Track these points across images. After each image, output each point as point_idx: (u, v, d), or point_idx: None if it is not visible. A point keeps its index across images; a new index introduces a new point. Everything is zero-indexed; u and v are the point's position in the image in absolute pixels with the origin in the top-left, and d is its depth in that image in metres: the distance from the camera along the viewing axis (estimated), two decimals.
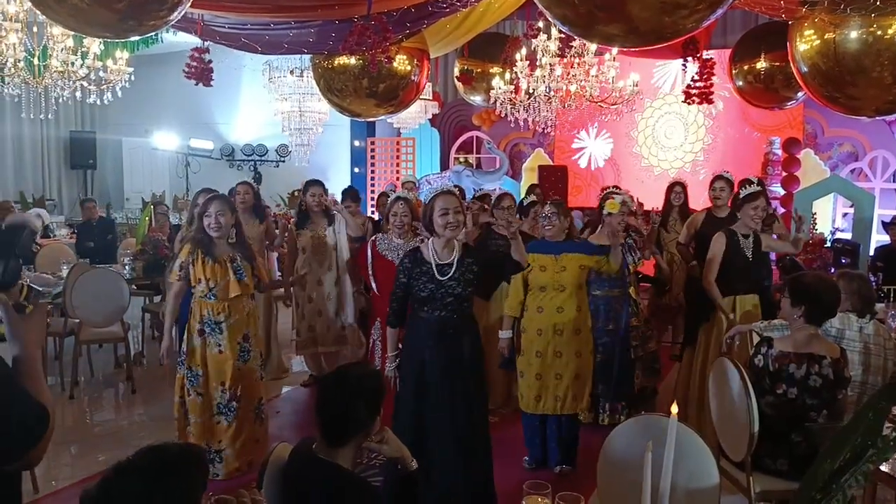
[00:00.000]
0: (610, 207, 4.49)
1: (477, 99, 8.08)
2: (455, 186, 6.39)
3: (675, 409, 1.51)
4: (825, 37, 4.55)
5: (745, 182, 4.58)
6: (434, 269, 3.37)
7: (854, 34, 4.39)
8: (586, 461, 3.87)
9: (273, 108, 9.94)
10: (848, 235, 7.89)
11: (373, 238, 4.64)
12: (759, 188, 4.45)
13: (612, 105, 6.24)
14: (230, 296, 4.05)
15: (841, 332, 3.54)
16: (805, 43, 4.72)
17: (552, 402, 4.16)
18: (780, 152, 9.54)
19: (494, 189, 9.37)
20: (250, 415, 4.21)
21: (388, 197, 5.22)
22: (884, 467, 2.68)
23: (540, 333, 4.13)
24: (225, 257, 4.07)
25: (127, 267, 6.54)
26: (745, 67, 6.62)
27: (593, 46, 5.77)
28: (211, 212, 4.02)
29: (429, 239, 3.48)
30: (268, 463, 2.19)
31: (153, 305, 6.90)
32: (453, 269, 3.36)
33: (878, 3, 4.09)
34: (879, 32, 4.28)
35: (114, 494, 1.51)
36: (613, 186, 5.42)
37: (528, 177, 11.09)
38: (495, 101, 6.70)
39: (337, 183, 9.95)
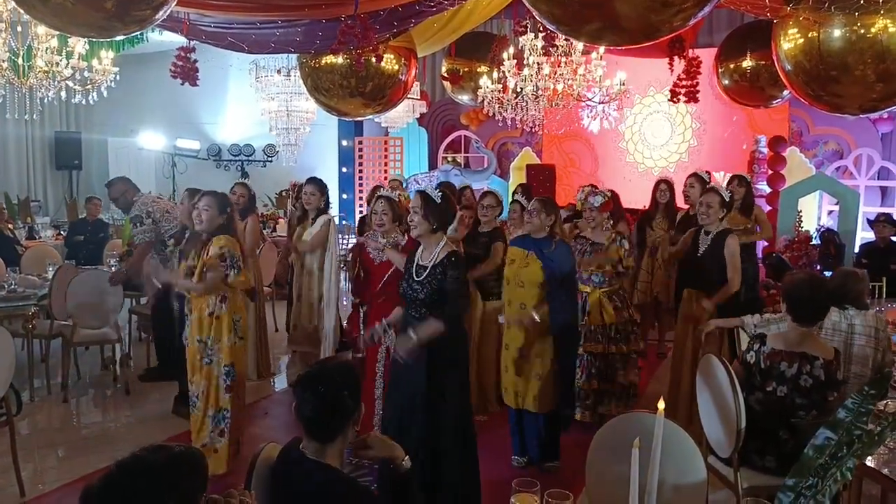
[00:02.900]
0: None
1: (465, 98, 8.09)
2: (441, 184, 6.40)
3: (661, 405, 1.52)
4: (809, 35, 4.56)
5: (734, 178, 4.63)
6: (413, 267, 3.38)
7: (838, 32, 4.41)
8: (576, 458, 3.88)
9: (260, 108, 9.89)
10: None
11: (365, 235, 4.69)
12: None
13: (600, 104, 6.26)
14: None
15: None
16: (789, 41, 4.74)
17: (513, 397, 4.20)
18: (766, 150, 9.60)
19: (482, 188, 9.38)
20: (206, 421, 4.06)
21: (381, 190, 5.20)
22: (869, 462, 2.70)
23: (508, 326, 4.20)
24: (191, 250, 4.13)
25: (113, 268, 6.48)
26: (731, 66, 6.65)
27: (580, 45, 5.79)
28: (198, 206, 4.06)
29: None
30: (256, 463, 2.18)
31: (140, 307, 6.84)
32: (426, 272, 3.31)
33: (861, 1, 4.11)
34: (863, 31, 4.30)
35: (119, 491, 1.50)
36: (590, 185, 5.48)
37: (517, 176, 11.08)
38: (483, 100, 6.70)
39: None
